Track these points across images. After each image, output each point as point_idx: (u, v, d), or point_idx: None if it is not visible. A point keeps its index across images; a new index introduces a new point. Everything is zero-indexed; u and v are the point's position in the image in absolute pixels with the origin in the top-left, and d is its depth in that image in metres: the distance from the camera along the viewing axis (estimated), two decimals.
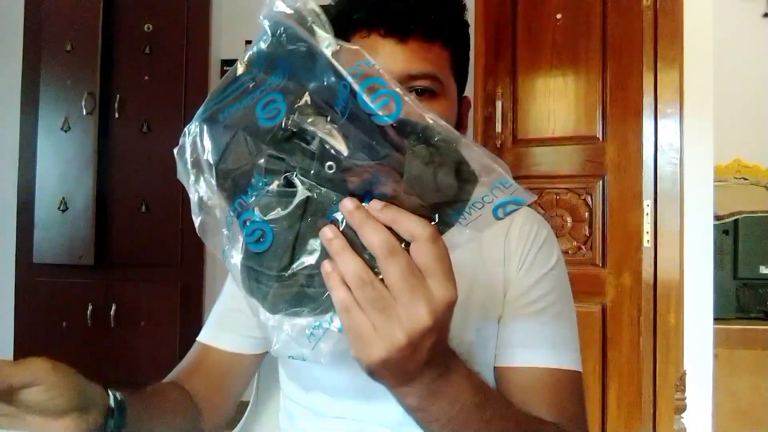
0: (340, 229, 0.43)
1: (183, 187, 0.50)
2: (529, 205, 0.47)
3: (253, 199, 0.45)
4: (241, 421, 0.94)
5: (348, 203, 0.42)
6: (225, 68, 3.27)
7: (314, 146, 0.43)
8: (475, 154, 0.42)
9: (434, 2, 0.69)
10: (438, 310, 0.43)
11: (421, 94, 0.68)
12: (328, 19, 0.73)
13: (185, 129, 0.48)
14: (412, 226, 0.42)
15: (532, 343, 0.71)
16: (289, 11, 0.45)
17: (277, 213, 0.45)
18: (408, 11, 0.67)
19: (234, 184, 0.46)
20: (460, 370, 0.51)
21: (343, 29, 0.70)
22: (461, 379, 0.50)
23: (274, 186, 0.45)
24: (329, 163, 0.43)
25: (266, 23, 0.45)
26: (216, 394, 0.78)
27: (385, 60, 0.67)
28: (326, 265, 0.43)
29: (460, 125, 0.77)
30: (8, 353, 2.91)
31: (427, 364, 0.46)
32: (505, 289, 0.75)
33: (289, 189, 0.44)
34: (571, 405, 0.70)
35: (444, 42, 0.70)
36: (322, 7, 0.73)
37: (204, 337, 0.81)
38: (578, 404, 0.71)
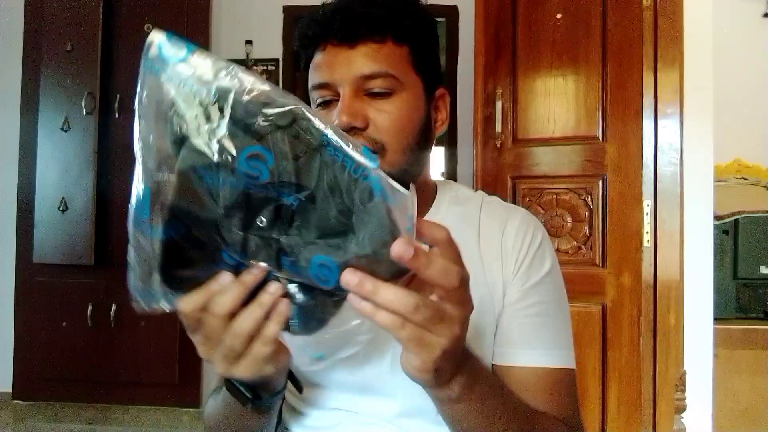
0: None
1: None
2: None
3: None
4: None
5: (350, 277, 0.43)
6: None
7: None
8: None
9: (381, 4, 0.72)
10: (470, 299, 0.48)
11: (375, 96, 0.71)
12: (297, 40, 0.74)
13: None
14: (436, 271, 0.45)
15: (530, 344, 0.75)
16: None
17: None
18: (353, 17, 0.71)
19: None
20: (477, 362, 0.57)
21: (306, 48, 0.75)
22: (482, 368, 0.58)
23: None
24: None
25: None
26: None
27: (340, 67, 0.71)
28: (365, 307, 0.44)
29: (433, 119, 0.78)
30: (8, 353, 2.91)
31: (462, 354, 0.52)
32: (503, 289, 0.77)
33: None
34: (567, 401, 0.75)
35: (396, 39, 0.72)
36: (295, 27, 0.75)
37: None
38: (573, 400, 0.77)
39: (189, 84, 0.43)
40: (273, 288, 0.47)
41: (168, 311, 0.50)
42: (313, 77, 0.74)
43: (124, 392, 2.86)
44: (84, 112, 2.74)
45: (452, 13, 3.16)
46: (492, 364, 0.77)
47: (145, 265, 0.47)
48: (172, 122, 0.44)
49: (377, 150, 0.70)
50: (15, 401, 2.91)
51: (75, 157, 2.76)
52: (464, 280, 0.47)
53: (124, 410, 2.87)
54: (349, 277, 0.43)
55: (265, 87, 0.43)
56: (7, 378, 2.92)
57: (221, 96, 0.42)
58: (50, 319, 2.84)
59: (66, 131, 2.77)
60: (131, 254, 0.47)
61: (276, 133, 0.43)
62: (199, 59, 0.43)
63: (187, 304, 0.48)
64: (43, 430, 2.85)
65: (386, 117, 0.71)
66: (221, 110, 0.43)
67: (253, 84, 0.43)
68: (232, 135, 0.42)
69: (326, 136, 0.43)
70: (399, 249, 0.42)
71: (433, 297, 0.46)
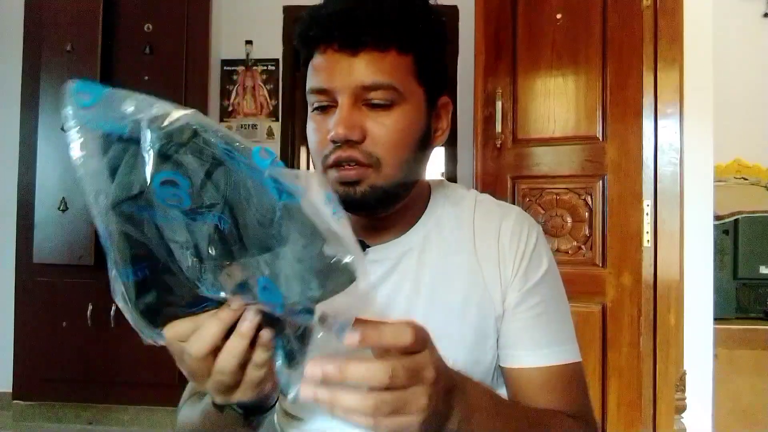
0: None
1: None
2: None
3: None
4: None
5: (314, 370, 0.44)
6: (225, 68, 3.28)
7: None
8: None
9: (387, 10, 0.68)
10: (435, 360, 0.48)
11: (374, 107, 0.69)
12: (296, 38, 0.72)
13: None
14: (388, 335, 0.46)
15: (537, 344, 0.75)
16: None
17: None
18: (357, 23, 0.67)
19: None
20: (472, 389, 0.56)
21: (305, 46, 0.72)
22: (478, 396, 0.57)
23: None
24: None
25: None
26: None
27: (340, 74, 0.68)
28: (334, 410, 0.45)
29: (433, 128, 0.76)
30: (8, 353, 2.91)
31: (448, 393, 0.51)
32: (503, 292, 0.76)
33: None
34: (577, 394, 0.76)
35: (400, 49, 0.69)
36: (294, 22, 0.74)
37: None
38: (583, 392, 0.78)
39: (104, 126, 0.42)
40: (250, 315, 0.46)
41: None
42: (311, 80, 0.71)
43: (124, 392, 2.86)
44: None
45: (452, 13, 3.16)
46: (499, 366, 0.78)
47: (129, 308, 0.46)
48: (106, 165, 0.43)
49: (372, 164, 0.69)
50: (15, 401, 2.91)
51: None
52: (420, 334, 0.47)
53: (124, 410, 2.87)
54: (305, 392, 0.44)
55: (164, 104, 0.42)
56: (7, 378, 2.92)
57: (133, 128, 0.42)
58: (50, 319, 2.84)
59: (66, 131, 2.77)
60: (117, 296, 0.47)
61: (180, 152, 0.41)
62: (106, 100, 0.42)
63: (169, 338, 0.48)
64: (43, 430, 2.85)
65: (384, 130, 0.69)
66: (137, 142, 0.41)
67: (155, 106, 0.42)
68: (142, 164, 0.41)
69: (222, 144, 0.42)
70: (350, 342, 0.44)
71: (397, 362, 0.46)
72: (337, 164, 0.69)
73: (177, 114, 0.42)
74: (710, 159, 1.98)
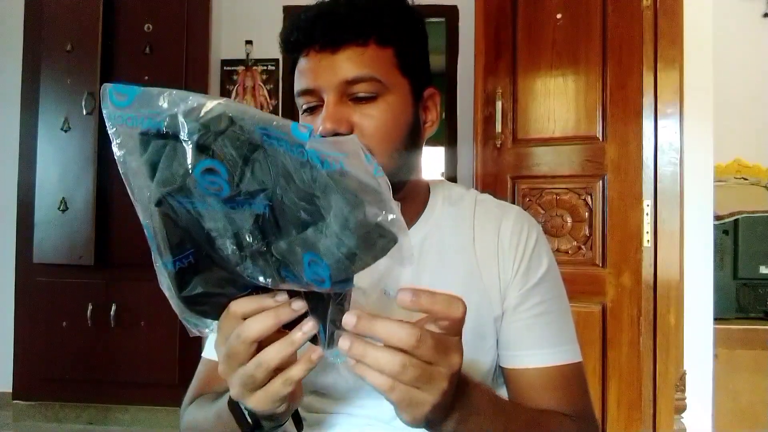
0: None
1: None
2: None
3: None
4: None
5: (342, 342, 0.45)
6: (225, 68, 3.28)
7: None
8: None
9: (363, 6, 0.71)
10: (462, 350, 0.49)
11: (360, 101, 0.70)
12: (281, 45, 0.73)
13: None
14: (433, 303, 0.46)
15: (537, 345, 0.75)
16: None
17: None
18: (336, 22, 0.69)
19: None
20: (473, 391, 0.56)
21: (290, 53, 0.74)
22: (478, 397, 0.57)
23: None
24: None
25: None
26: None
27: (323, 73, 0.70)
28: (357, 367, 0.46)
29: (422, 120, 0.77)
30: (8, 353, 2.91)
31: (456, 389, 0.51)
32: (502, 292, 0.76)
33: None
34: (578, 395, 0.76)
35: (380, 42, 0.70)
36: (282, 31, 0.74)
37: (213, 353, 0.81)
38: (584, 392, 0.78)
39: (141, 123, 0.44)
40: (307, 327, 0.48)
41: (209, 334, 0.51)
42: (298, 83, 0.73)
43: (124, 392, 2.86)
44: (84, 112, 2.74)
45: (452, 13, 3.16)
46: (500, 367, 0.78)
47: (173, 297, 0.48)
48: (145, 161, 0.45)
49: None
50: (15, 401, 2.91)
51: (75, 157, 2.76)
52: (464, 315, 0.48)
53: (124, 410, 2.87)
54: (342, 342, 0.45)
55: (197, 96, 0.43)
56: (7, 378, 2.92)
57: (169, 123, 0.43)
58: (50, 319, 2.84)
59: (66, 131, 2.77)
60: (163, 285, 0.48)
61: (218, 141, 0.42)
62: (141, 98, 0.43)
63: (233, 311, 0.48)
64: (43, 430, 2.85)
65: (371, 121, 0.70)
66: (174, 137, 0.43)
67: (190, 98, 0.43)
68: (182, 155, 0.43)
69: (260, 126, 0.43)
70: (403, 299, 0.45)
71: (434, 328, 0.47)
72: None
73: (211, 104, 0.43)
74: (710, 159, 1.98)
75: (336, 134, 0.68)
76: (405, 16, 0.74)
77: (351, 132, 0.69)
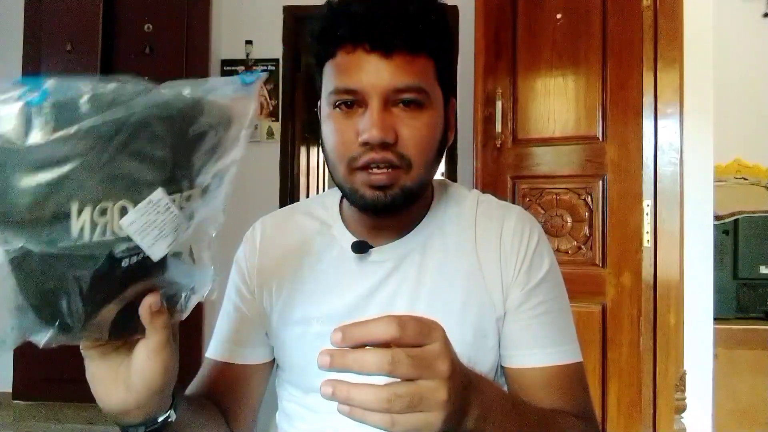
0: None
1: None
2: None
3: None
4: None
5: (323, 359, 0.44)
6: (225, 68, 3.28)
7: None
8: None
9: (418, 15, 0.69)
10: (449, 354, 0.47)
11: (408, 105, 0.69)
12: (312, 33, 0.72)
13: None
14: (378, 329, 0.45)
15: (539, 344, 0.75)
16: None
17: None
18: (392, 26, 0.67)
19: None
20: (488, 388, 0.55)
21: (328, 44, 0.71)
22: (494, 395, 0.56)
23: None
24: None
25: None
26: (240, 408, 0.81)
27: (372, 75, 0.68)
28: (353, 412, 0.44)
29: (447, 128, 0.78)
30: (8, 353, 2.91)
31: (465, 390, 0.49)
32: (504, 292, 0.77)
33: None
34: (579, 394, 0.77)
35: (429, 54, 0.71)
36: (308, 21, 0.73)
37: (219, 354, 0.82)
38: (585, 392, 0.78)
39: None
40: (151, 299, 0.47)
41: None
42: (337, 80, 0.70)
43: None
44: None
45: (452, 13, 3.16)
46: (501, 366, 0.78)
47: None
48: None
49: (404, 165, 0.70)
50: (15, 401, 2.91)
51: None
52: (425, 328, 0.46)
53: None
54: (324, 389, 0.44)
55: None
56: (7, 378, 2.92)
57: None
58: None
59: None
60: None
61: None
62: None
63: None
64: (43, 430, 2.85)
65: (414, 132, 0.69)
66: None
67: None
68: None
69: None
70: (335, 340, 0.44)
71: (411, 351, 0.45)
72: (368, 167, 0.69)
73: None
74: (710, 159, 1.98)
75: (383, 143, 0.67)
76: (447, 28, 0.74)
77: (396, 141, 0.68)
